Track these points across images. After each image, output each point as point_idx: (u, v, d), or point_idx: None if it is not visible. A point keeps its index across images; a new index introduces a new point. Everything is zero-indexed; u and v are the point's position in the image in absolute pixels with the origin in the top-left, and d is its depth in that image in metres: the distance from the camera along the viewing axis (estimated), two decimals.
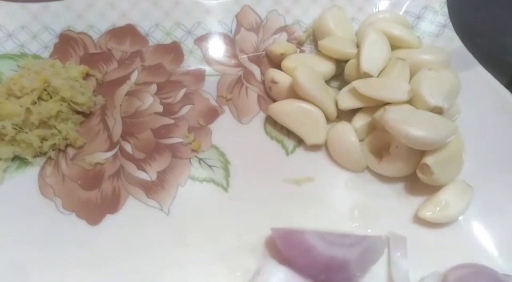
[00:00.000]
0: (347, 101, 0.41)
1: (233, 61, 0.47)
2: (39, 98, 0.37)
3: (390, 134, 0.37)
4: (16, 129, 0.36)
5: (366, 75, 0.41)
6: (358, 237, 0.31)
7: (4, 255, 0.33)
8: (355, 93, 0.41)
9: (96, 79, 0.43)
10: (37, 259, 0.33)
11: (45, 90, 0.38)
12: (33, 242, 0.33)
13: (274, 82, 0.43)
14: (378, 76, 0.42)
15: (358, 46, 0.45)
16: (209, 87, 0.44)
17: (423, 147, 0.36)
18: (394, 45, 0.44)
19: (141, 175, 0.38)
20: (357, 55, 0.43)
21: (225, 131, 0.42)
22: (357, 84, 0.40)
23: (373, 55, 0.42)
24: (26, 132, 0.36)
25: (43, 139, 0.37)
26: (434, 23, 0.49)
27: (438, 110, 0.38)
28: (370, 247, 0.31)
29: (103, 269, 0.33)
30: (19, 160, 0.37)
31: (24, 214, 0.35)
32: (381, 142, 0.40)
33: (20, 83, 0.37)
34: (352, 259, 0.30)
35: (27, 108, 0.36)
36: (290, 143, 0.42)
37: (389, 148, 0.39)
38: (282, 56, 0.45)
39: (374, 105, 0.40)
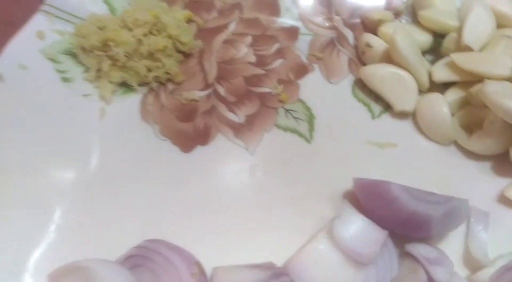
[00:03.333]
0: (442, 74, 0.40)
1: (327, 23, 0.47)
2: (149, 32, 0.40)
3: (486, 110, 0.36)
4: (127, 57, 0.39)
5: (467, 49, 0.40)
6: (444, 197, 0.31)
7: (105, 166, 0.36)
8: (452, 66, 0.40)
9: (197, 25, 0.45)
10: (132, 175, 0.36)
11: (154, 26, 0.41)
12: (131, 157, 0.37)
13: (368, 46, 0.43)
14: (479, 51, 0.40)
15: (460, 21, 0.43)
16: (302, 45, 0.45)
17: None
18: (500, 23, 0.42)
19: (231, 116, 0.40)
20: (459, 29, 0.42)
21: (313, 88, 0.43)
22: (456, 57, 0.39)
23: (477, 28, 0.40)
24: (135, 61, 0.39)
25: (149, 70, 0.40)
26: None
27: None
28: (455, 208, 0.30)
29: (189, 192, 0.36)
30: (125, 86, 0.40)
31: (126, 133, 0.38)
32: (473, 118, 0.39)
33: (134, 16, 0.40)
34: (435, 217, 0.30)
35: (139, 39, 0.39)
36: (377, 108, 0.42)
37: (482, 124, 0.38)
38: (379, 22, 0.45)
39: (470, 80, 0.39)
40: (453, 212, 0.31)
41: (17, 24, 0.39)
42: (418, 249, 0.31)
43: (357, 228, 0.30)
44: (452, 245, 0.34)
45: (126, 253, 0.30)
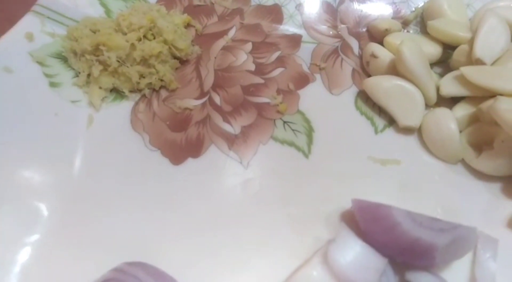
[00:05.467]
0: (451, 88, 0.38)
1: (331, 32, 0.45)
2: (144, 36, 0.38)
3: (497, 127, 0.34)
4: (119, 62, 0.37)
5: (478, 62, 0.38)
6: (450, 224, 0.28)
7: (88, 177, 0.34)
8: (462, 80, 0.38)
9: (196, 30, 0.44)
10: (116, 188, 0.34)
11: (150, 30, 0.39)
12: (117, 169, 0.35)
13: (374, 56, 0.41)
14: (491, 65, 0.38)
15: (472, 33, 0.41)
16: (304, 54, 0.43)
17: None
18: None
19: (226, 127, 0.38)
20: (470, 41, 0.39)
21: (313, 99, 0.40)
22: (466, 70, 0.37)
23: (490, 41, 0.38)
24: (127, 67, 0.37)
25: (141, 76, 0.38)
26: None
27: None
28: (461, 237, 0.28)
29: (177, 207, 0.33)
30: (116, 93, 0.39)
31: (113, 143, 0.36)
32: (483, 135, 0.36)
33: (129, 19, 0.38)
34: (440, 246, 0.27)
35: (132, 44, 0.37)
36: (380, 122, 0.39)
37: (492, 143, 0.35)
38: (386, 32, 0.43)
39: (480, 96, 0.37)
40: (459, 241, 0.28)
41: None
42: (420, 278, 0.29)
43: (354, 253, 0.28)
44: (457, 274, 0.31)
45: (103, 276, 0.28)
